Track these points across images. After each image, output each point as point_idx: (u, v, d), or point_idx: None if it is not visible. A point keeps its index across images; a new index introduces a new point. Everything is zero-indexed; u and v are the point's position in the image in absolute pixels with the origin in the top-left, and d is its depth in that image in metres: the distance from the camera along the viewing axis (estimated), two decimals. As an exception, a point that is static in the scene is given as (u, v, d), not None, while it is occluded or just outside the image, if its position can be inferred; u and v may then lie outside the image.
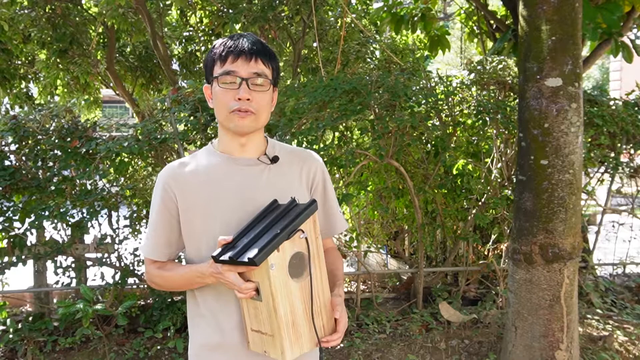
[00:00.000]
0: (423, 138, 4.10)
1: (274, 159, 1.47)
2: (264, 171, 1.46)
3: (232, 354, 1.41)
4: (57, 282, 3.68)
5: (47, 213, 3.39)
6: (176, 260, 1.52)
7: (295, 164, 1.51)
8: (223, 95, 1.38)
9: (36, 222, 3.42)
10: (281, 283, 1.26)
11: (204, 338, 1.44)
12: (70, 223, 3.61)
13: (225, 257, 1.26)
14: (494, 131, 4.05)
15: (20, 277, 4.08)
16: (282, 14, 6.46)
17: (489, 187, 4.05)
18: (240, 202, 1.41)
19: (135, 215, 3.80)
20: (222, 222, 1.40)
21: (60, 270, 3.62)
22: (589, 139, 4.17)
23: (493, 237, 4.26)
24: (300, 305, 1.30)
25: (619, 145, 4.33)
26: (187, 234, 1.44)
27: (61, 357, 3.39)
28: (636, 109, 4.47)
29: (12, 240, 3.49)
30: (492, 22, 5.17)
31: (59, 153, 3.57)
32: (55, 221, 3.54)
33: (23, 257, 3.53)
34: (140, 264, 3.79)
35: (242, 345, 1.40)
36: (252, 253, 1.21)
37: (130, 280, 3.77)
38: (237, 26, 5.77)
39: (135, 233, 3.82)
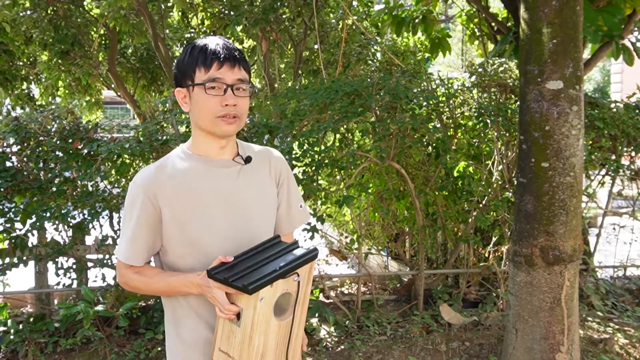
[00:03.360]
0: (424, 140, 4.10)
1: (247, 159, 1.51)
2: (239, 172, 1.50)
3: None
4: (58, 283, 3.68)
5: (48, 214, 3.39)
6: (151, 264, 1.54)
7: (263, 163, 1.57)
8: (208, 101, 1.40)
9: (37, 223, 3.43)
10: (264, 317, 1.30)
11: (196, 334, 1.47)
12: (71, 224, 3.61)
13: (221, 276, 1.29)
14: (495, 133, 4.05)
15: (22, 278, 4.08)
16: (284, 16, 6.46)
17: (489, 190, 4.05)
18: (224, 205, 1.45)
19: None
20: (208, 227, 1.43)
21: (61, 272, 3.63)
22: (590, 142, 4.17)
23: (494, 239, 4.26)
24: (273, 343, 1.34)
25: (619, 147, 4.33)
26: (171, 241, 1.45)
27: (62, 358, 3.39)
28: (637, 111, 4.47)
29: (13, 241, 3.50)
30: (493, 24, 5.18)
31: (61, 154, 3.58)
32: (57, 222, 3.55)
33: (24, 258, 3.53)
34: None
35: None
36: (247, 280, 1.24)
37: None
38: (239, 28, 5.78)
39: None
